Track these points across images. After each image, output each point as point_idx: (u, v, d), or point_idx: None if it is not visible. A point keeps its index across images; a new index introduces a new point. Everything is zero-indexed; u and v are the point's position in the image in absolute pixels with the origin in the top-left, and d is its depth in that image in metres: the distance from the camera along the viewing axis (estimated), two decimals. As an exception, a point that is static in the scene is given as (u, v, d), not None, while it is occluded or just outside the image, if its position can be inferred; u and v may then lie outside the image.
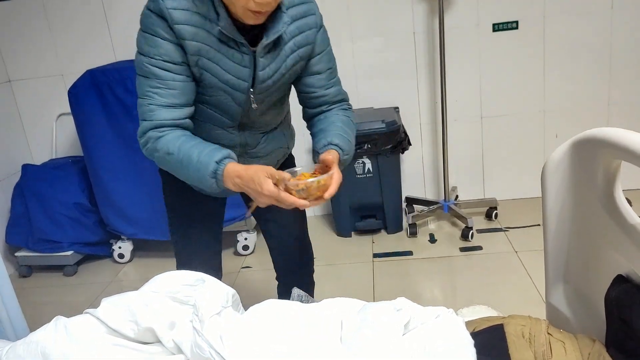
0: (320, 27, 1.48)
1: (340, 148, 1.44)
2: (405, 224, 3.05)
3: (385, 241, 2.99)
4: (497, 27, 2.98)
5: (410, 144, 3.01)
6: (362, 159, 2.90)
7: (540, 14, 2.95)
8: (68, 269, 3.04)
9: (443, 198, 3.10)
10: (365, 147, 2.84)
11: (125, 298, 1.22)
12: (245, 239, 3.00)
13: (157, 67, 1.31)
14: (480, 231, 2.94)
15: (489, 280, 2.50)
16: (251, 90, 1.42)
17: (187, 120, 1.37)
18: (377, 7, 3.01)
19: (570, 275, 1.34)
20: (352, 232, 3.10)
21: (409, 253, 2.83)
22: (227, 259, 3.01)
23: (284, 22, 1.37)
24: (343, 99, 1.59)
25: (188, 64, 1.34)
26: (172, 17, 1.28)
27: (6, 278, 1.78)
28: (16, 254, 3.08)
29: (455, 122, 3.12)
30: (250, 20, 1.30)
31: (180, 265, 1.69)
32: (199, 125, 1.45)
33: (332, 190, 1.32)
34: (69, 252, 2.98)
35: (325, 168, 1.39)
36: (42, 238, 2.97)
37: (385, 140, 2.84)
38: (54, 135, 3.27)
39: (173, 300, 1.22)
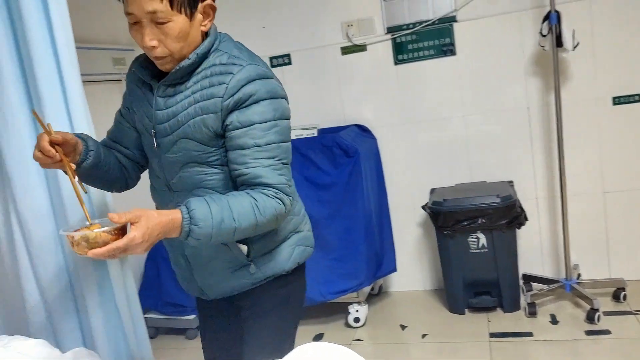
0: (247, 95, 1.30)
1: (188, 211, 1.23)
2: (523, 303, 2.92)
3: (501, 320, 2.88)
4: (618, 101, 2.90)
5: (527, 219, 2.94)
6: (476, 234, 2.87)
7: (665, 86, 2.84)
8: (190, 332, 3.22)
9: (564, 276, 2.95)
10: (480, 222, 2.81)
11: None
12: (357, 310, 3.02)
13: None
14: (607, 313, 2.74)
15: (621, 368, 2.32)
16: (153, 131, 1.42)
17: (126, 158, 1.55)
18: (488, 83, 3.06)
19: None
20: (466, 309, 3.02)
21: (529, 334, 2.70)
22: (338, 331, 3.05)
23: (186, 68, 1.33)
24: (266, 184, 1.31)
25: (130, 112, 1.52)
26: (130, 76, 1.52)
27: (147, 342, 1.96)
28: (145, 316, 3.31)
29: (575, 197, 3.01)
30: (158, 65, 1.37)
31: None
32: (152, 185, 1.56)
33: (100, 250, 1.13)
34: (192, 316, 3.17)
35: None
36: (170, 302, 3.19)
37: (501, 215, 2.79)
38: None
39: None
